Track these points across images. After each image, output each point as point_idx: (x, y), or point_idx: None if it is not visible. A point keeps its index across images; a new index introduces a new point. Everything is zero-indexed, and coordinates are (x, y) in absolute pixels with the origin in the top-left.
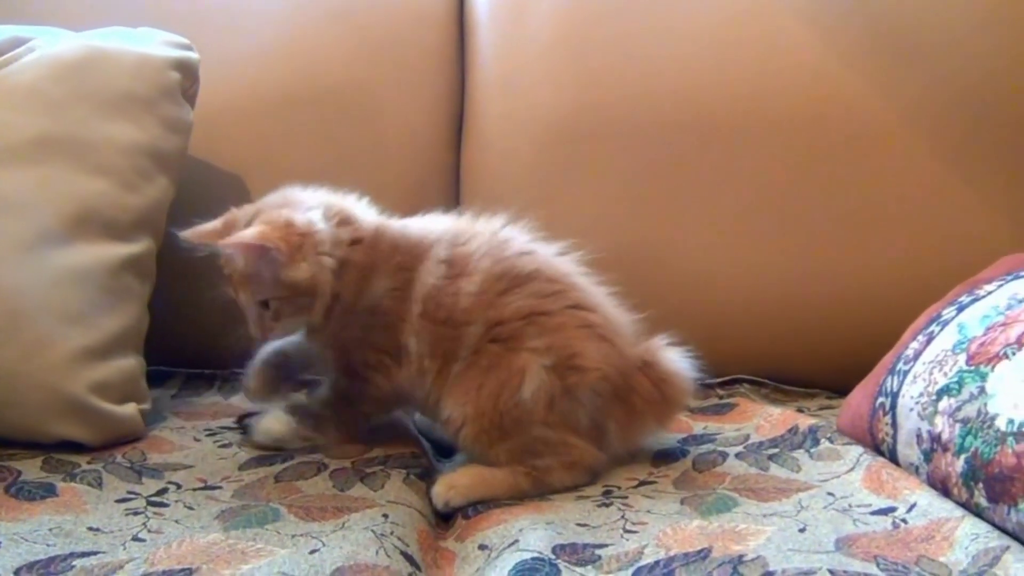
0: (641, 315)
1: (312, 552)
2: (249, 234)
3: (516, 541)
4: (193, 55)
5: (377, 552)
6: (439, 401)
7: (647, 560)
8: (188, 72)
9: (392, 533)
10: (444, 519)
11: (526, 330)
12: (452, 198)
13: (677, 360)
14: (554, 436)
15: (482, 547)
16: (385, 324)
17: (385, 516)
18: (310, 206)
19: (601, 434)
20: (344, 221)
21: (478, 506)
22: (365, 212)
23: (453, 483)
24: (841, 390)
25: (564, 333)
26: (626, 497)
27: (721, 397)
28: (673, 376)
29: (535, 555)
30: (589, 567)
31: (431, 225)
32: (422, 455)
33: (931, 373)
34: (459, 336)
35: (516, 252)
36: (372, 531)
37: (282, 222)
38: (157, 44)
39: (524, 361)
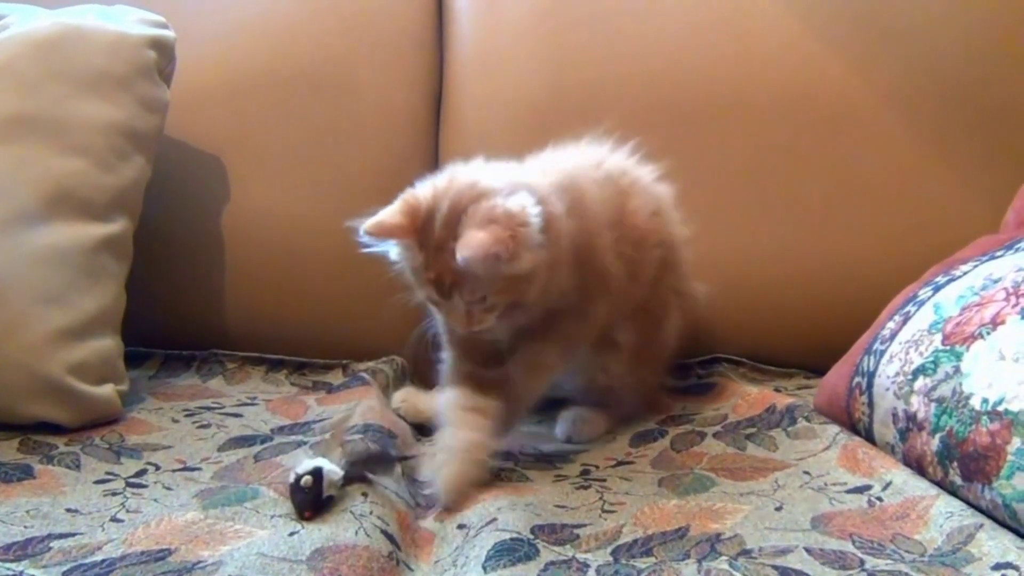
0: None
1: (291, 534)
2: (483, 240)
3: (495, 519)
4: (169, 33)
5: (356, 532)
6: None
7: (625, 539)
8: (164, 51)
9: (372, 513)
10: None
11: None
12: None
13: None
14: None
15: (461, 526)
16: (587, 259)
17: (364, 495)
18: (507, 188)
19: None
20: (533, 191)
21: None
22: (526, 172)
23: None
24: (818, 370)
25: (681, 263)
26: (604, 479)
27: (700, 376)
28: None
29: (514, 535)
30: (568, 546)
31: (554, 157)
32: (397, 436)
33: (907, 353)
34: (642, 258)
35: (638, 175)
36: (351, 512)
37: (502, 214)
38: (133, 22)
39: (666, 298)
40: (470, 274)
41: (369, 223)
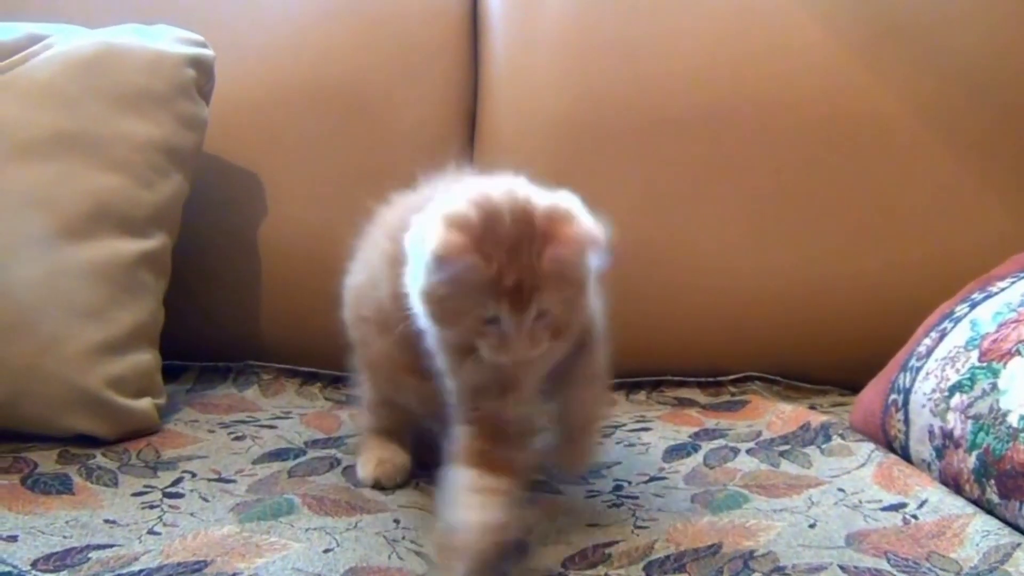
0: (652, 311)
1: (326, 551)
2: (588, 230)
3: (527, 546)
4: (208, 52)
5: (390, 556)
6: None
7: (658, 555)
8: (203, 69)
9: (404, 537)
10: None
11: None
12: None
13: None
14: None
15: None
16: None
17: (396, 521)
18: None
19: None
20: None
21: None
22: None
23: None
24: (854, 387)
25: None
26: (636, 497)
27: (733, 394)
28: None
29: None
30: (600, 567)
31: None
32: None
33: (943, 370)
34: None
35: None
36: (384, 536)
37: (581, 216)
38: (172, 41)
39: None
40: (554, 277)
41: (452, 247)
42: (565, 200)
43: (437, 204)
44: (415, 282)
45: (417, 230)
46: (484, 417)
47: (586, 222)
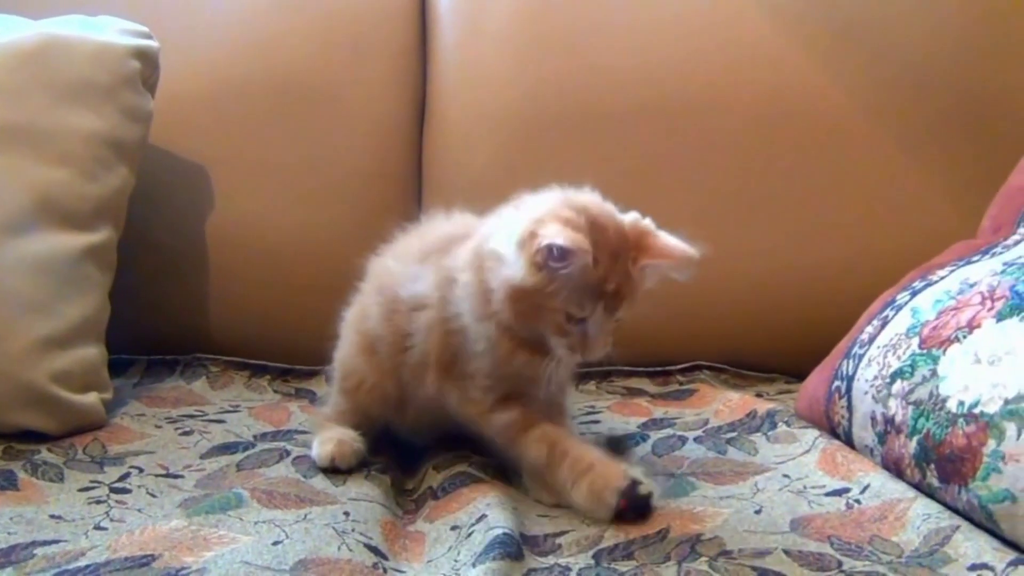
0: None
1: (275, 543)
2: (683, 244)
3: (484, 516)
4: (153, 43)
5: (339, 548)
6: None
7: (607, 543)
8: (148, 61)
9: (353, 530)
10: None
11: None
12: (414, 188)
13: None
14: None
15: (454, 527)
16: None
17: (346, 514)
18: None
19: None
20: None
21: (447, 486)
22: None
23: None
24: (800, 375)
25: None
26: None
27: (681, 383)
28: None
29: (506, 530)
30: (550, 556)
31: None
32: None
33: (885, 357)
34: None
35: None
36: (333, 528)
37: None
38: (117, 32)
39: None
40: (638, 286)
41: (577, 242)
42: (642, 218)
43: (529, 208)
44: (506, 277)
45: (511, 228)
46: (521, 396)
47: (669, 237)
